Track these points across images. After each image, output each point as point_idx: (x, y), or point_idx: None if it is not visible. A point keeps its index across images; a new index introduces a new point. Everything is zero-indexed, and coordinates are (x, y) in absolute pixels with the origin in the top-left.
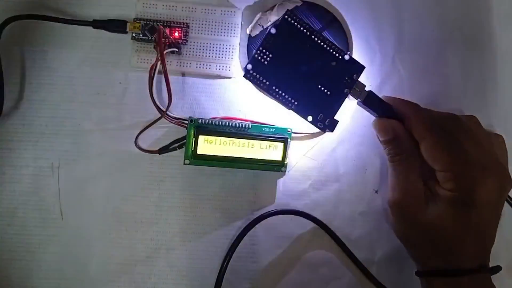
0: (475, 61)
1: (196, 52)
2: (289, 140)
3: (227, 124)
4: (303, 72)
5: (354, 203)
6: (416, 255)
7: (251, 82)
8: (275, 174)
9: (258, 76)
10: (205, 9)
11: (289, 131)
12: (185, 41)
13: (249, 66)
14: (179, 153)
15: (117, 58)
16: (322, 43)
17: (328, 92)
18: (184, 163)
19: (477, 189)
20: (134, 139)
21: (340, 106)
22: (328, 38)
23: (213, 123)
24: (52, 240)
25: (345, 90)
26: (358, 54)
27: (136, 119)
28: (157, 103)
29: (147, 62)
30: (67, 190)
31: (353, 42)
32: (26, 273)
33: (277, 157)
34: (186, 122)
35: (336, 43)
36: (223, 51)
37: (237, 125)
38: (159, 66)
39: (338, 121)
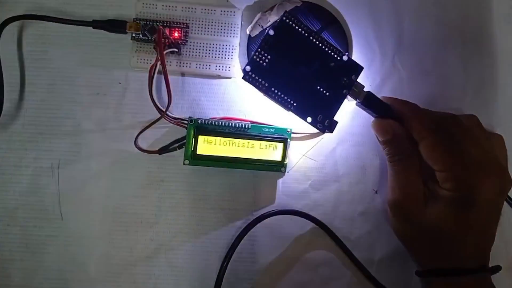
0: (475, 61)
1: (196, 52)
2: (288, 140)
3: (226, 124)
4: (302, 73)
5: (354, 203)
6: (416, 255)
7: (250, 83)
8: (275, 174)
9: (257, 77)
10: (205, 9)
11: (288, 131)
12: (185, 41)
13: (248, 68)
14: (179, 153)
15: (117, 58)
16: (320, 44)
17: (327, 93)
18: (184, 163)
19: (476, 189)
20: (134, 139)
21: (339, 107)
22: (327, 38)
23: (213, 123)
24: (52, 240)
25: (344, 91)
26: (357, 54)
27: (136, 119)
28: (157, 103)
29: (147, 62)
30: (67, 190)
31: (353, 42)
32: (26, 273)
33: (277, 157)
34: (186, 122)
35: (334, 44)
36: (223, 51)
37: (237, 125)
38: (159, 66)
39: (337, 122)
